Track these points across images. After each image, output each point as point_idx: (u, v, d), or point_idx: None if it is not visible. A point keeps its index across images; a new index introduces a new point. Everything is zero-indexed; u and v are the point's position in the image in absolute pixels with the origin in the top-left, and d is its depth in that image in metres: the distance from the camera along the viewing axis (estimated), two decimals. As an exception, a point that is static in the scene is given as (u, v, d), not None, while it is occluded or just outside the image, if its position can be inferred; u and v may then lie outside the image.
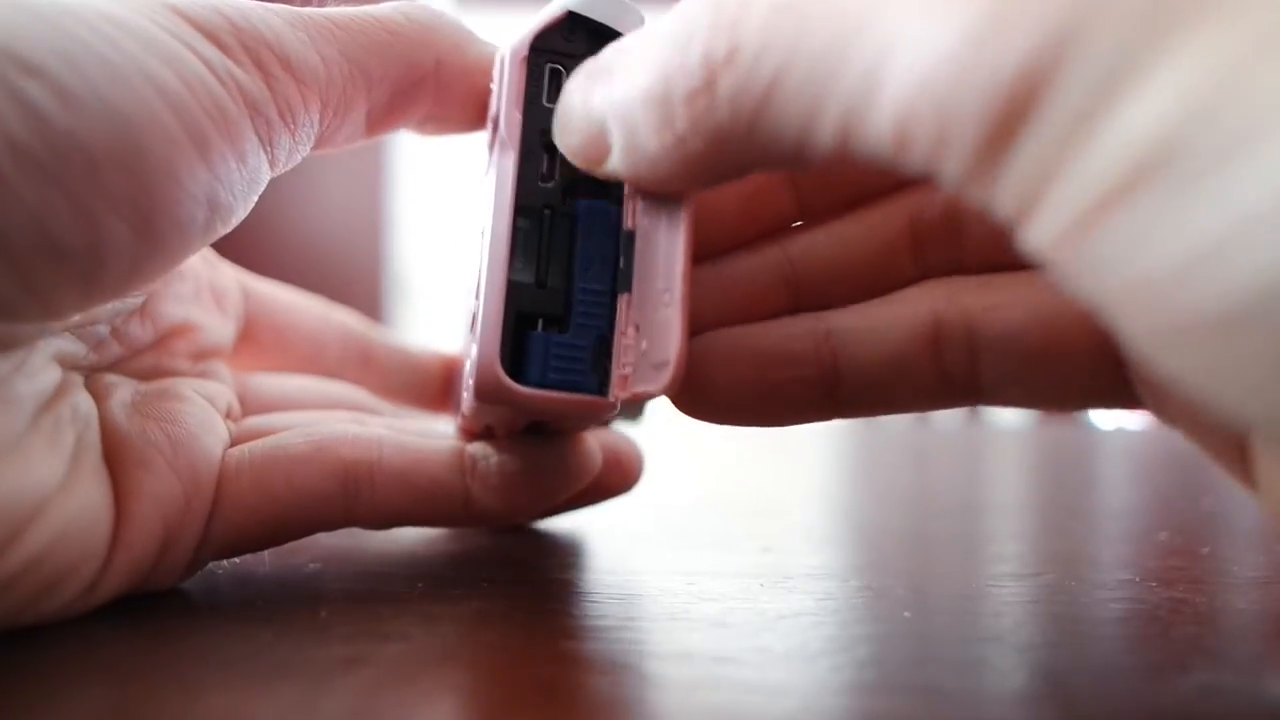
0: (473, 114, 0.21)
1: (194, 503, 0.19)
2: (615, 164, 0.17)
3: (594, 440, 0.23)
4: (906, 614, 0.20)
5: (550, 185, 0.19)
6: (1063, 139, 0.11)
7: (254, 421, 0.22)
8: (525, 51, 0.19)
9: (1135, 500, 0.38)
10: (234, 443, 0.21)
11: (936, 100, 0.12)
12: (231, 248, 0.23)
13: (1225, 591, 0.22)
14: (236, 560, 0.24)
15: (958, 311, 0.18)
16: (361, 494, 0.21)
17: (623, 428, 0.27)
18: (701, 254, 0.20)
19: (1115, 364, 0.18)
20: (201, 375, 0.23)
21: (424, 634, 0.18)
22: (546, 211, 0.19)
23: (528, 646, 0.18)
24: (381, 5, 0.20)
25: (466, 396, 0.20)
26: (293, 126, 0.18)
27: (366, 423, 0.23)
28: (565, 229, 0.19)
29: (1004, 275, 0.19)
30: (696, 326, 0.18)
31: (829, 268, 0.20)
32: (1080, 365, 0.18)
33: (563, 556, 0.25)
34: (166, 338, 0.22)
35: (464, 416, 0.22)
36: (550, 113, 0.19)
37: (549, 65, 0.20)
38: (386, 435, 0.22)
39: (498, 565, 0.24)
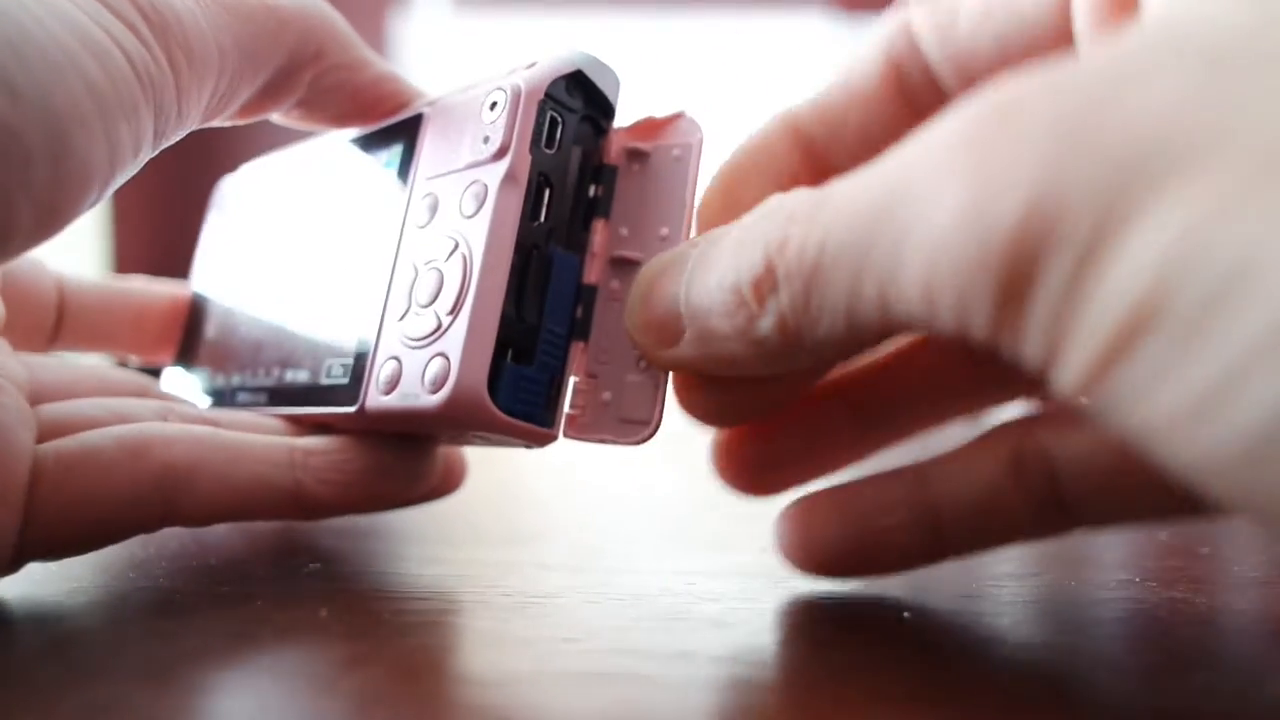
0: (343, 110, 0.23)
1: (8, 498, 0.19)
2: (685, 349, 0.18)
3: (438, 448, 0.23)
4: (906, 614, 0.20)
5: (538, 226, 0.21)
6: (1065, 295, 0.12)
7: (54, 411, 0.22)
8: (541, 95, 0.20)
9: (1135, 500, 0.38)
10: (40, 434, 0.21)
11: (951, 266, 0.13)
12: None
13: (1225, 591, 0.22)
14: (235, 560, 0.24)
15: (1034, 441, 0.19)
16: (181, 495, 0.21)
17: None
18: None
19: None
20: None
21: (424, 633, 0.18)
22: (535, 251, 0.20)
23: (528, 646, 0.18)
24: None
25: (398, 401, 0.20)
26: (184, 116, 0.20)
27: (177, 413, 0.23)
28: (542, 271, 0.21)
29: (1072, 413, 0.19)
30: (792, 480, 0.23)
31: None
32: (1154, 482, 0.17)
33: (563, 557, 0.25)
34: None
35: (344, 415, 0.22)
36: (547, 158, 0.20)
37: (550, 113, 0.21)
38: (206, 433, 0.21)
39: (498, 566, 0.24)
